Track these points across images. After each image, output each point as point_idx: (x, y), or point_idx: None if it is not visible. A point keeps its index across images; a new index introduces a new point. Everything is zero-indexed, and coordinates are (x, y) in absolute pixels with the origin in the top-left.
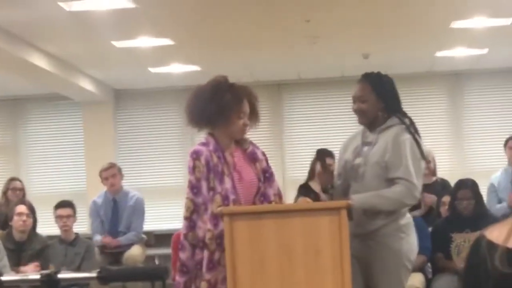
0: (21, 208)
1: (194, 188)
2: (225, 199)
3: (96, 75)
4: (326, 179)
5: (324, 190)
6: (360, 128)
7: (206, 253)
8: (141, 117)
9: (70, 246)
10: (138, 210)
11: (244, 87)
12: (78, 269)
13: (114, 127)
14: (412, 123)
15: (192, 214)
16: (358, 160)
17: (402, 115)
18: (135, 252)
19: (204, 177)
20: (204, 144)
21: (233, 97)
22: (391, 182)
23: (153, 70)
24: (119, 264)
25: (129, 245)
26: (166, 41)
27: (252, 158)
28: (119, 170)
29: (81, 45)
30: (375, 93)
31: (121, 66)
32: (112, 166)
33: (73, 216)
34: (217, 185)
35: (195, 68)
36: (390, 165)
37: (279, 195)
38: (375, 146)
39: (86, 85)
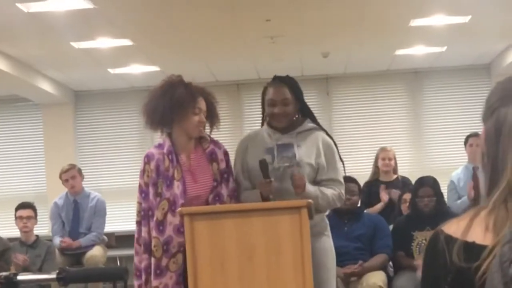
0: None
1: (142, 192)
2: (173, 204)
3: (56, 76)
4: (267, 189)
5: (265, 199)
6: (254, 129)
7: (153, 260)
8: (101, 118)
9: (30, 248)
10: (99, 211)
11: (201, 86)
12: (39, 271)
13: (74, 129)
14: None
15: (142, 219)
16: (284, 161)
17: (314, 118)
18: (96, 253)
19: (152, 182)
20: (159, 146)
21: (186, 91)
22: (319, 183)
23: (112, 71)
24: (80, 265)
25: (90, 246)
26: (126, 42)
27: (211, 158)
28: (79, 171)
29: (40, 46)
30: (293, 95)
31: (80, 67)
32: (72, 167)
33: (34, 217)
34: (164, 191)
35: (154, 68)
36: (323, 167)
37: (233, 196)
38: (301, 148)
39: (46, 86)
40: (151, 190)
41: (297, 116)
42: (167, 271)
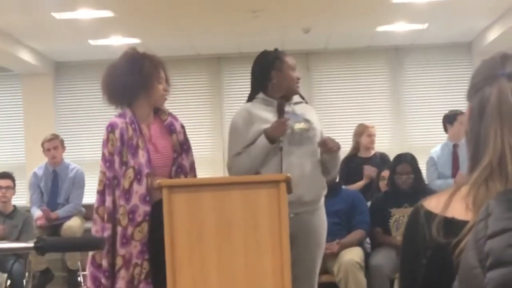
0: None
1: (107, 162)
2: (138, 173)
3: (36, 46)
4: (282, 129)
5: (274, 141)
6: (247, 105)
7: (119, 229)
8: (81, 89)
9: (8, 219)
10: (78, 182)
11: (154, 55)
12: (16, 241)
13: (54, 99)
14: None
15: (104, 188)
16: (302, 125)
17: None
18: (73, 223)
19: (117, 151)
20: (121, 115)
21: (151, 63)
22: None
23: (93, 42)
24: (58, 236)
25: (67, 217)
26: (107, 13)
27: (170, 130)
28: (62, 142)
29: (21, 16)
30: None
31: (61, 38)
32: (55, 137)
33: (12, 187)
34: (129, 159)
35: (135, 40)
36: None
37: (192, 169)
38: (305, 115)
39: (26, 56)
40: (116, 159)
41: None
42: (132, 240)
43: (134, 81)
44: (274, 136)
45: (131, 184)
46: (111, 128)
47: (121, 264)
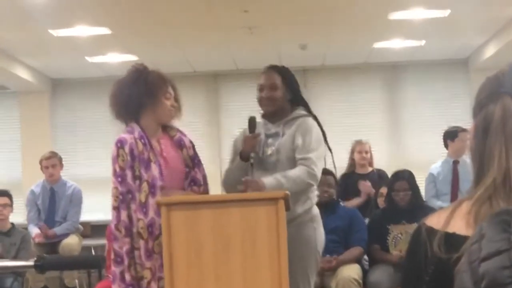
0: None
1: (118, 177)
2: (152, 186)
3: (33, 64)
4: (251, 144)
5: (244, 157)
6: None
7: (141, 242)
8: (78, 107)
9: (5, 236)
10: (75, 200)
11: (164, 74)
12: (14, 259)
13: (51, 117)
14: (316, 116)
15: (120, 203)
16: (269, 151)
17: (307, 107)
18: (71, 241)
19: (128, 165)
20: (129, 131)
21: (157, 77)
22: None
23: (90, 59)
24: (55, 254)
25: (65, 235)
26: (104, 30)
27: (179, 145)
28: (60, 160)
29: (18, 33)
30: (284, 83)
31: (58, 55)
32: (53, 156)
33: (9, 205)
34: (142, 173)
35: (132, 57)
36: (297, 148)
37: (205, 183)
38: (283, 136)
39: (23, 74)
40: (128, 173)
41: (286, 104)
42: (153, 253)
43: (138, 94)
44: (244, 151)
45: (147, 198)
46: (120, 143)
47: (150, 277)
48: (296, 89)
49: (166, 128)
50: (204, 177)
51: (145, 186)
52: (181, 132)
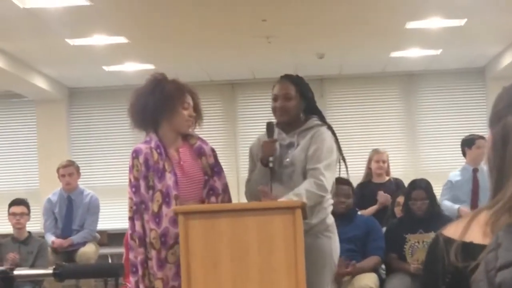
0: None
1: (133, 187)
2: (166, 196)
3: (50, 73)
4: (270, 149)
5: (264, 161)
6: (262, 134)
7: (153, 252)
8: (95, 116)
9: (23, 245)
10: (92, 208)
11: (184, 83)
12: (31, 267)
13: (68, 126)
14: (330, 125)
15: (134, 214)
16: (284, 162)
17: (321, 117)
18: (88, 250)
19: (142, 175)
20: (146, 141)
21: (175, 87)
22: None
23: (107, 68)
24: (72, 262)
25: (82, 244)
26: (121, 39)
27: (199, 153)
28: (77, 169)
29: (35, 42)
30: (298, 93)
31: (75, 64)
32: (71, 164)
33: (27, 214)
34: (156, 183)
35: (149, 66)
36: (309, 159)
37: (226, 190)
38: (297, 146)
39: (40, 83)
40: (142, 184)
41: (300, 114)
42: (166, 263)
43: (155, 101)
44: (263, 156)
45: (160, 207)
46: (135, 154)
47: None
48: (310, 99)
49: (186, 137)
50: (225, 185)
51: (158, 196)
52: (202, 140)
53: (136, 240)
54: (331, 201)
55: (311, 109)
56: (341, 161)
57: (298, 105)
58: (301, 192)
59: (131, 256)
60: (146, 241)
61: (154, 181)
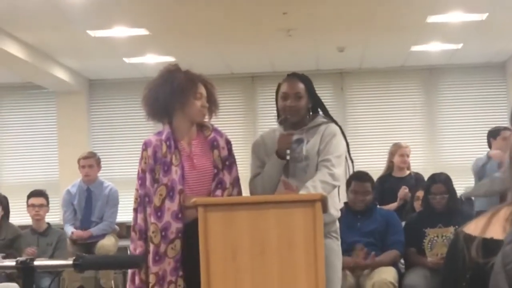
0: None
1: (139, 179)
2: (171, 190)
3: (71, 64)
4: (288, 142)
5: (281, 154)
6: (266, 130)
7: (151, 246)
8: (115, 108)
9: (42, 236)
10: (112, 200)
11: (198, 73)
12: (50, 259)
13: (88, 117)
14: (337, 122)
15: (138, 206)
16: (298, 157)
17: (327, 112)
18: (108, 242)
19: (149, 168)
20: (159, 133)
21: (186, 77)
22: (318, 163)
23: (128, 60)
24: (92, 254)
25: (101, 236)
26: (142, 31)
27: (211, 146)
28: (98, 161)
29: (56, 34)
30: (307, 91)
31: (96, 56)
32: (92, 156)
33: (46, 205)
34: (162, 177)
35: (170, 59)
36: (323, 149)
37: (236, 184)
38: (309, 142)
39: (61, 74)
40: (148, 177)
41: (310, 113)
42: (165, 257)
43: (165, 92)
44: (279, 149)
45: (162, 202)
46: (145, 146)
47: (154, 282)
48: (317, 97)
49: (202, 128)
50: (235, 179)
51: (162, 189)
52: (217, 131)
53: (136, 232)
54: (342, 205)
55: (316, 107)
56: (348, 159)
57: (307, 103)
58: (317, 184)
59: (131, 247)
60: (148, 234)
61: (160, 174)
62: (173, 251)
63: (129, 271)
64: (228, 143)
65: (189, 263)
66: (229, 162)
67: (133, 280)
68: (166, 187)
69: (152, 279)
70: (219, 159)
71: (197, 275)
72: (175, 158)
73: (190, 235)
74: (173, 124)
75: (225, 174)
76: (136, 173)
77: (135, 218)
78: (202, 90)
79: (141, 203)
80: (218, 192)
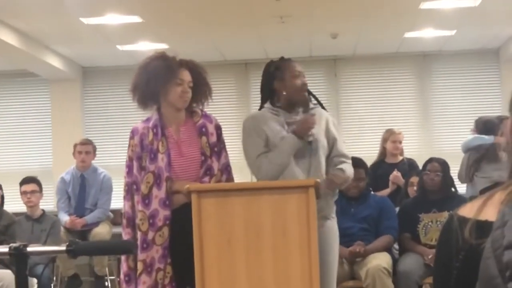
0: None
1: (127, 167)
2: (158, 177)
3: (64, 52)
4: (312, 123)
5: (305, 136)
6: (254, 112)
7: (139, 234)
8: (109, 95)
9: (36, 223)
10: (106, 188)
11: (187, 59)
12: (43, 245)
13: (82, 105)
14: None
15: (126, 194)
16: (309, 138)
17: (315, 97)
18: (102, 230)
19: (136, 156)
20: (146, 120)
21: (164, 64)
22: (332, 158)
23: (121, 47)
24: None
25: (95, 223)
26: (135, 19)
27: (200, 132)
28: (94, 149)
29: (49, 21)
30: None
31: (89, 43)
32: (89, 143)
33: (38, 191)
34: (148, 164)
35: (163, 46)
36: (334, 143)
37: (225, 171)
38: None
39: (54, 62)
40: (135, 164)
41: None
42: (153, 244)
43: (144, 81)
44: (302, 130)
45: (150, 189)
46: (132, 134)
47: (142, 269)
48: None
49: (191, 114)
50: (224, 166)
51: (149, 177)
52: (207, 117)
53: (124, 220)
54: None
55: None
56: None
57: None
58: (348, 173)
59: (123, 234)
60: (136, 222)
61: (146, 161)
62: (161, 238)
63: (122, 258)
64: (218, 128)
65: (177, 249)
66: (218, 148)
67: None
68: (153, 174)
69: (139, 266)
70: (207, 145)
71: (184, 261)
72: (162, 145)
73: (176, 221)
74: (160, 111)
75: (214, 160)
76: (125, 161)
77: (124, 206)
78: (185, 75)
79: (129, 190)
80: (206, 179)
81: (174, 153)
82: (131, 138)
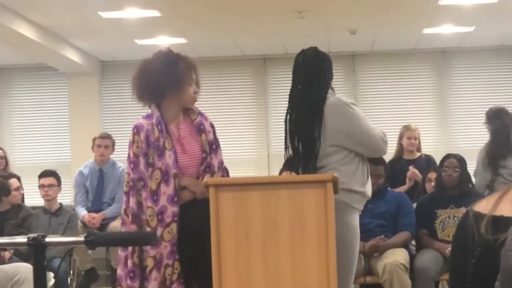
0: (15, 182)
1: (131, 163)
2: (166, 174)
3: (83, 46)
4: None
5: None
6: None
7: (148, 230)
8: (127, 89)
9: (53, 216)
10: (124, 182)
11: (187, 56)
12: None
13: (99, 99)
14: None
15: (130, 189)
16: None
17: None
18: (119, 224)
19: (142, 152)
20: (148, 116)
21: (185, 65)
22: None
23: (139, 42)
24: None
25: (113, 218)
26: (154, 13)
27: (199, 129)
28: (113, 144)
29: (68, 15)
30: None
31: (107, 37)
32: (108, 137)
33: (56, 185)
34: (156, 161)
35: (181, 40)
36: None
37: (221, 169)
38: None
39: (72, 55)
40: (142, 160)
41: None
42: (161, 240)
43: (167, 82)
44: None
45: (158, 186)
46: (136, 130)
47: (153, 265)
48: None
49: (187, 111)
50: (220, 163)
51: (157, 173)
52: (202, 115)
53: (129, 216)
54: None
55: None
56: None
57: None
58: None
59: (122, 230)
60: (141, 218)
61: (154, 158)
62: (169, 234)
63: (121, 254)
64: (212, 126)
65: (184, 246)
66: (214, 146)
67: (125, 263)
68: (160, 171)
69: (149, 262)
70: (206, 143)
71: (192, 258)
72: (168, 142)
73: (184, 218)
74: (161, 107)
75: (213, 158)
76: (127, 156)
77: (127, 202)
78: (194, 76)
79: (134, 186)
80: (207, 176)
81: (178, 150)
82: (136, 134)
